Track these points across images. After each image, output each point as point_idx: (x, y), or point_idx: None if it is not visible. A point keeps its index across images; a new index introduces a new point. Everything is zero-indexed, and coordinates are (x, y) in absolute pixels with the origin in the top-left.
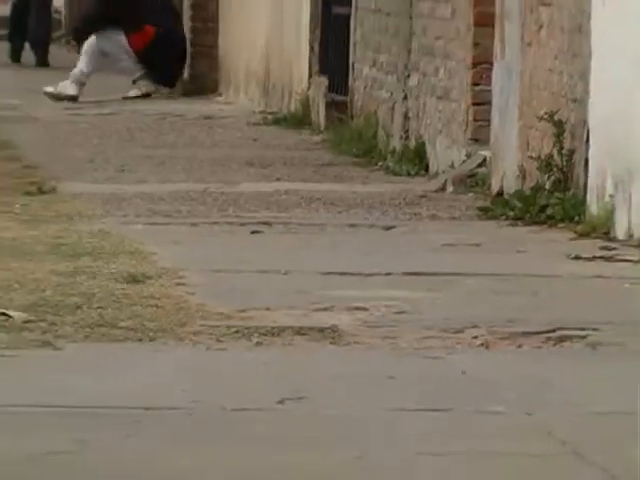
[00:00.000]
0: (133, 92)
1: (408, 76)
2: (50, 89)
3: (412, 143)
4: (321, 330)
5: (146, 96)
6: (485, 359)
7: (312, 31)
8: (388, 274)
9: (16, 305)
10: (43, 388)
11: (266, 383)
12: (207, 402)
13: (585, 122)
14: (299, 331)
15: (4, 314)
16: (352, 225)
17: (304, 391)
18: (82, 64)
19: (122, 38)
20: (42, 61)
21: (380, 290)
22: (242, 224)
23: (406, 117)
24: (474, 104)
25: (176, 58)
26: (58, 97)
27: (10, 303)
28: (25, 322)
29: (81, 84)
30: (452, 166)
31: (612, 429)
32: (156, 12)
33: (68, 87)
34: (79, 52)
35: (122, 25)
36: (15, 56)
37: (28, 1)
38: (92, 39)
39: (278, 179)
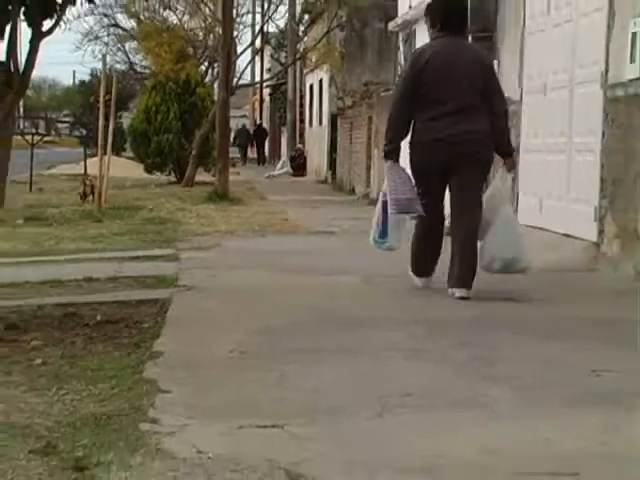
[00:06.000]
0: (276, 172)
1: (350, 169)
2: (267, 174)
3: (350, 187)
4: (330, 232)
5: (273, 177)
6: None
7: (328, 159)
8: (347, 218)
9: (243, 229)
10: (259, 244)
11: (310, 245)
12: (299, 250)
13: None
14: (324, 232)
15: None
16: (338, 206)
17: (324, 248)
18: (278, 165)
19: (289, 169)
20: (262, 164)
21: (345, 221)
22: (311, 206)
23: (350, 180)
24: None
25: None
26: (270, 177)
27: (249, 227)
28: (247, 232)
29: (273, 175)
30: (361, 192)
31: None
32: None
33: (269, 173)
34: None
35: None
36: (243, 161)
37: (259, 145)
38: (283, 159)
39: (320, 195)
